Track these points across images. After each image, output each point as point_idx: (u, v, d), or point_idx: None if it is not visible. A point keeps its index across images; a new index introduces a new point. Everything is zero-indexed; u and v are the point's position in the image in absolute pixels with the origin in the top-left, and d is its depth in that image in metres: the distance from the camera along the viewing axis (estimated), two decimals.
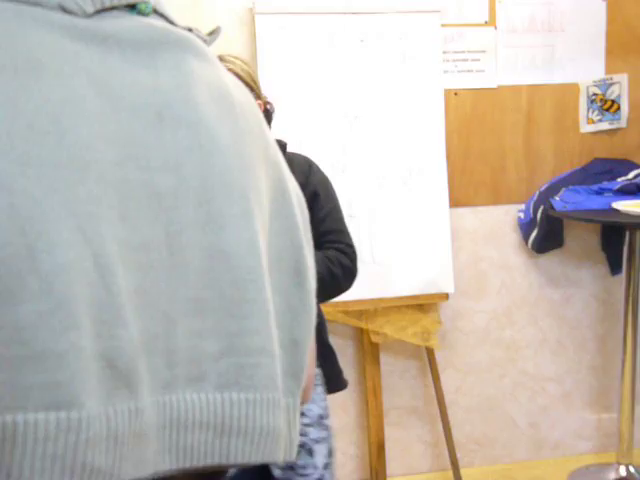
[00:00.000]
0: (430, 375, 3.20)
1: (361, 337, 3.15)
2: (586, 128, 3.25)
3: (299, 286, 0.84)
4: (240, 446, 0.77)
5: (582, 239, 3.33)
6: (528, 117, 3.22)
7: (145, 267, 0.71)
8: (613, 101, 3.26)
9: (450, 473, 3.23)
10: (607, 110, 3.25)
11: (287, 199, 0.85)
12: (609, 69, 3.25)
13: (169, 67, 0.77)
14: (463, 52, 3.13)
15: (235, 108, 0.81)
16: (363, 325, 3.03)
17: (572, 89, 3.23)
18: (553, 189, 3.13)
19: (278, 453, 0.81)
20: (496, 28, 3.15)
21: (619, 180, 3.17)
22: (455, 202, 3.16)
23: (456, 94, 3.14)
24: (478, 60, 3.14)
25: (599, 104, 3.24)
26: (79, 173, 0.67)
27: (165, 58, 0.77)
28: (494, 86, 3.14)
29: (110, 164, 0.70)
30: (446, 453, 3.27)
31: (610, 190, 3.09)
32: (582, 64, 3.22)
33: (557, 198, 3.06)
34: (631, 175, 3.18)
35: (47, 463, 0.64)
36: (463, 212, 3.22)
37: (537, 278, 3.33)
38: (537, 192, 3.16)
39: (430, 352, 3.14)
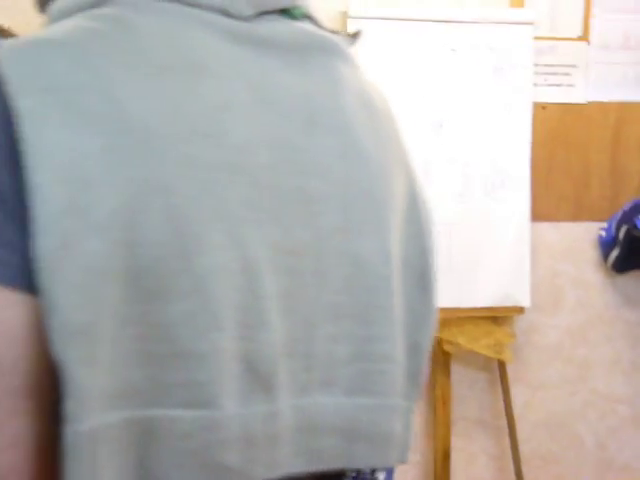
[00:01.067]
0: (499, 388, 3.18)
1: (434, 345, 3.14)
2: None
3: (423, 290, 0.85)
4: (364, 450, 0.79)
5: None
6: (616, 134, 3.18)
7: (293, 271, 0.72)
8: None
9: None
10: None
11: (417, 205, 0.86)
12: None
13: (319, 72, 0.78)
14: (554, 66, 3.10)
15: (377, 115, 0.83)
16: (436, 333, 3.03)
17: None
18: (638, 209, 3.09)
19: (394, 457, 0.82)
20: (589, 43, 3.12)
21: None
22: (536, 216, 3.14)
23: (544, 108, 3.12)
24: (569, 75, 3.11)
25: None
26: (234, 176, 0.69)
27: (316, 63, 0.79)
28: (583, 102, 3.11)
29: (264, 168, 0.71)
30: (511, 467, 3.25)
31: None
32: None
33: None
34: None
35: (184, 459, 0.67)
36: (544, 227, 3.20)
37: (614, 297, 3.29)
38: (621, 211, 3.12)
39: (501, 365, 3.13)
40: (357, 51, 2.89)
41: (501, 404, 3.22)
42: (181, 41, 0.71)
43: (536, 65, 3.07)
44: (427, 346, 0.87)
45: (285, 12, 0.80)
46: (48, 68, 0.65)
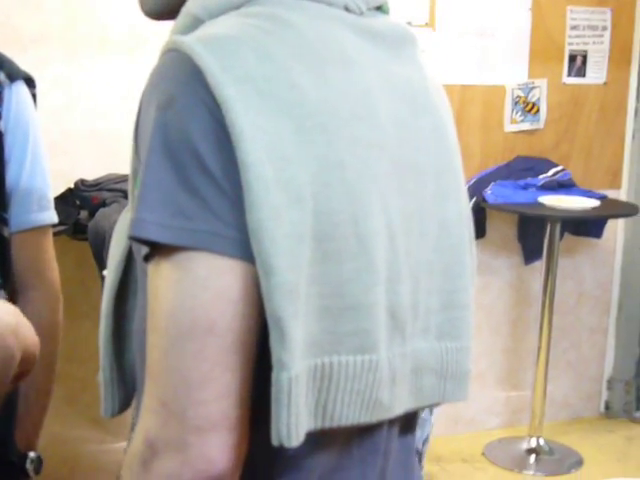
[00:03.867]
0: None
1: None
2: (510, 127, 3.52)
3: (471, 251, 0.97)
4: (451, 387, 0.91)
5: (501, 230, 3.60)
6: (459, 115, 3.44)
7: (409, 233, 0.84)
8: (534, 104, 3.53)
9: None
10: (528, 112, 3.52)
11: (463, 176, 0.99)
12: (532, 74, 3.52)
13: (411, 60, 0.90)
14: None
15: (444, 95, 0.96)
16: None
17: (499, 91, 3.49)
18: (482, 183, 3.38)
19: (468, 392, 0.95)
20: (435, 30, 3.36)
21: (540, 177, 3.45)
22: None
23: None
24: None
25: (522, 106, 3.51)
26: (380, 152, 0.80)
27: (407, 51, 0.90)
28: None
29: (394, 145, 0.83)
30: None
31: (534, 186, 3.36)
32: (509, 68, 3.48)
33: (489, 191, 3.30)
34: (550, 172, 3.47)
35: (353, 397, 0.78)
36: None
37: None
38: (467, 185, 3.39)
39: None
40: None
41: None
42: (329, 35, 0.80)
43: None
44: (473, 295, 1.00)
45: (379, 8, 0.90)
46: (240, 61, 0.73)
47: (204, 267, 0.70)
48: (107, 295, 0.88)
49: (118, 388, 0.91)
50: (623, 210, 3.52)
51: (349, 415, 0.78)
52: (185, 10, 0.83)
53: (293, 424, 0.72)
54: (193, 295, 0.70)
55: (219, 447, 0.71)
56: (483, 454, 3.50)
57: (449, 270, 0.90)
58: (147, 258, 0.74)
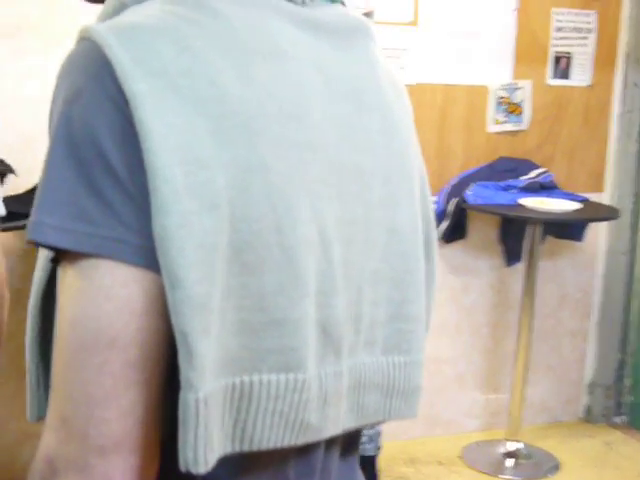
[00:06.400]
0: None
1: None
2: (492, 128, 3.49)
3: (429, 257, 0.92)
4: (398, 404, 0.86)
5: (482, 231, 3.57)
6: (442, 114, 3.42)
7: (350, 241, 0.79)
8: (517, 104, 3.51)
9: None
10: (512, 113, 3.50)
11: (423, 178, 0.93)
12: (516, 75, 3.50)
13: (360, 54, 0.84)
14: (386, 49, 3.28)
15: (400, 92, 0.90)
16: None
17: (482, 91, 3.46)
18: (463, 183, 3.35)
19: (418, 408, 0.91)
20: (417, 27, 3.33)
21: (522, 178, 3.43)
22: None
23: None
24: (400, 57, 3.31)
25: (505, 106, 3.48)
26: (313, 154, 0.74)
27: (358, 45, 0.84)
28: (413, 83, 3.31)
29: (331, 146, 0.77)
30: None
31: (516, 187, 3.34)
32: (492, 68, 3.45)
33: (469, 192, 3.28)
34: (533, 174, 3.45)
35: (275, 419, 0.73)
36: None
37: (440, 266, 3.52)
38: (449, 185, 3.37)
39: None
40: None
41: None
42: (261, 27, 0.75)
43: None
44: (434, 307, 0.96)
45: None
46: (156, 53, 0.67)
47: (108, 276, 0.65)
48: (34, 293, 0.81)
49: (45, 391, 0.83)
50: (605, 213, 3.50)
51: (271, 438, 0.73)
52: None
53: (201, 448, 0.67)
54: (96, 305, 0.65)
55: (123, 469, 0.66)
56: (460, 457, 3.47)
57: (399, 280, 0.84)
58: (55, 261, 0.70)
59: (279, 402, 0.72)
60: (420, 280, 0.87)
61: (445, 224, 3.35)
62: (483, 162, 3.48)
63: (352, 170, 0.79)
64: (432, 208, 0.95)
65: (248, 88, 0.71)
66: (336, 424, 0.80)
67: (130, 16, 0.72)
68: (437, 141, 3.42)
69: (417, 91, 3.32)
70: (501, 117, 3.49)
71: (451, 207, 3.31)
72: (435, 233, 0.94)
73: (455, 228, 3.38)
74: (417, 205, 0.88)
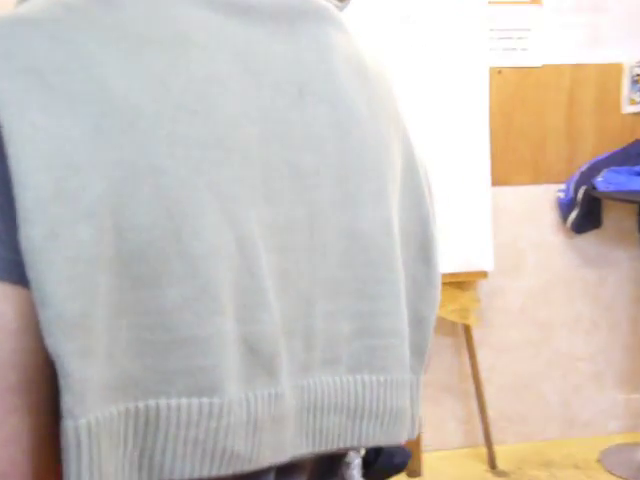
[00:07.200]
0: (466, 352, 3.22)
1: None
2: (628, 109, 3.25)
3: (425, 261, 0.82)
4: (371, 428, 0.77)
5: (619, 221, 3.34)
6: (570, 97, 3.21)
7: (288, 248, 0.70)
8: None
9: (483, 449, 3.26)
10: None
11: (415, 171, 0.83)
12: None
13: (309, 39, 0.74)
14: (509, 30, 3.11)
15: (370, 81, 0.79)
16: None
17: (615, 69, 3.23)
18: (594, 169, 3.14)
19: (404, 433, 0.80)
20: (542, 6, 3.14)
21: None
22: (496, 180, 3.16)
23: (500, 72, 3.13)
24: (523, 38, 3.13)
25: None
26: (224, 153, 0.65)
27: (305, 29, 0.74)
28: (538, 65, 3.13)
29: (254, 143, 0.68)
30: (479, 429, 3.29)
31: None
32: (626, 44, 3.21)
33: (600, 179, 3.06)
34: None
35: (189, 448, 0.64)
36: (504, 191, 3.22)
37: (574, 258, 3.34)
38: (578, 172, 3.16)
39: (467, 329, 3.16)
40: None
41: (468, 368, 3.25)
42: (162, 12, 0.66)
43: (491, 30, 3.07)
44: (432, 318, 0.84)
45: None
46: (26, 48, 0.61)
47: None
48: None
49: None
50: None
51: (185, 468, 0.64)
52: None
53: None
54: None
55: None
56: (598, 461, 3.27)
57: (365, 290, 0.74)
58: None
59: (192, 429, 0.64)
60: (397, 290, 0.77)
61: (574, 213, 3.15)
62: (617, 146, 3.24)
63: (285, 169, 0.70)
64: (432, 205, 0.83)
65: (135, 82, 0.62)
66: (278, 451, 0.71)
67: (18, 8, 0.65)
68: (565, 125, 3.22)
69: (542, 73, 3.14)
70: (638, 97, 3.24)
71: (580, 195, 3.10)
72: (436, 233, 0.83)
73: (587, 217, 3.18)
74: (392, 206, 0.77)
